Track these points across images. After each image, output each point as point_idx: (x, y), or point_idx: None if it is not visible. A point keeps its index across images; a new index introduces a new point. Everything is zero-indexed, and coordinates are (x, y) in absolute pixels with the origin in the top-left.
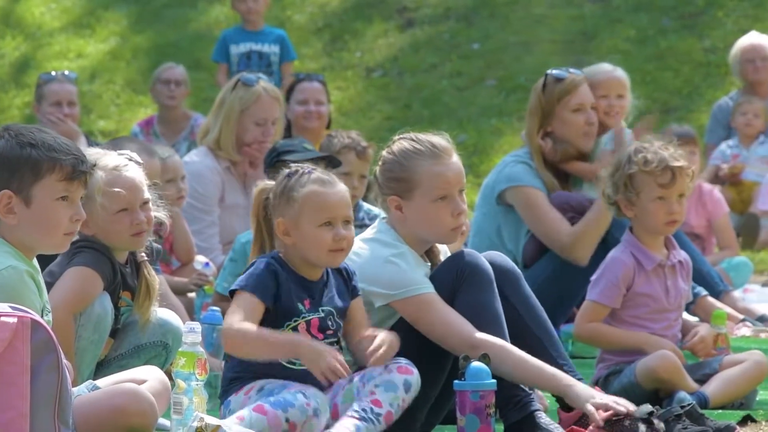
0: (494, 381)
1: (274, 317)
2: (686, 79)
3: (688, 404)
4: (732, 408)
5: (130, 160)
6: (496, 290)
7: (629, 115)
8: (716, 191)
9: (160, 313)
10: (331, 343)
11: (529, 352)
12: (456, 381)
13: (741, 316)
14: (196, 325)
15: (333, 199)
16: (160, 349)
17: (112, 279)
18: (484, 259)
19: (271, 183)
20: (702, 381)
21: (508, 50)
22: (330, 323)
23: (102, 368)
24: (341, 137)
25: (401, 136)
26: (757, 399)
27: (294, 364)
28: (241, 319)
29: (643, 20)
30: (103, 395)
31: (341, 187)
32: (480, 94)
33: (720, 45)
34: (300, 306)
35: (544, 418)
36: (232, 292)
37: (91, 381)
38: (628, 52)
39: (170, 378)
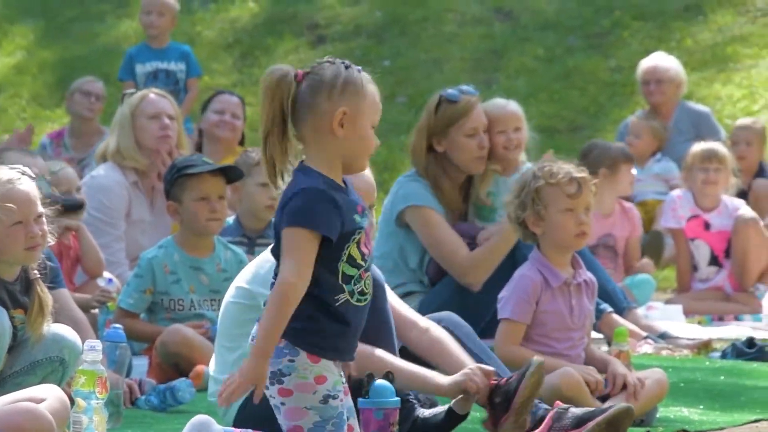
0: (398, 399)
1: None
2: (593, 98)
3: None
4: (633, 425)
5: (23, 174)
6: (386, 294)
7: (528, 148)
8: (635, 209)
9: (55, 328)
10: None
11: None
12: (360, 399)
13: (644, 334)
14: (97, 343)
15: (379, 104)
16: (57, 365)
17: None
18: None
19: (288, 68)
20: (604, 398)
21: (419, 67)
22: (368, 227)
23: None
24: (258, 151)
25: None
26: (658, 416)
27: (360, 300)
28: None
29: (551, 39)
30: (1, 414)
31: None
32: (390, 110)
33: (625, 65)
34: (357, 217)
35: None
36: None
37: None
38: (536, 70)
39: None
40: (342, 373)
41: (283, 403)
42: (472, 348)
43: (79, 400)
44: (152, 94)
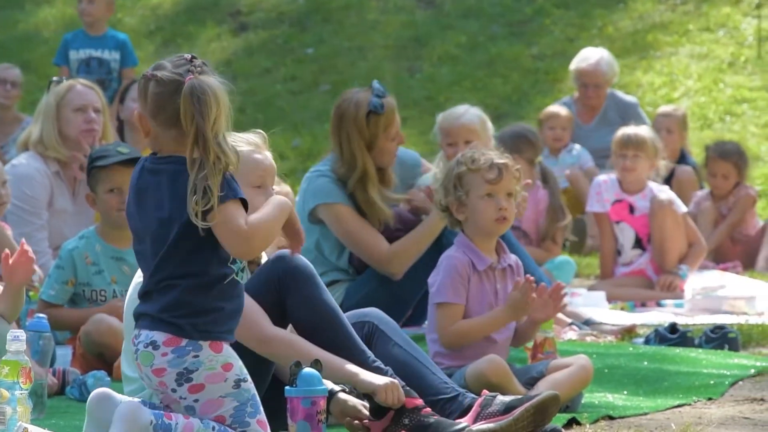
0: (326, 387)
1: None
2: (515, 86)
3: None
4: (558, 411)
5: None
6: (323, 285)
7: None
8: (542, 190)
9: None
10: None
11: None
12: (287, 387)
13: (569, 320)
14: (21, 333)
15: None
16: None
17: None
18: (298, 258)
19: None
20: (530, 384)
21: (342, 55)
22: None
23: None
24: None
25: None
26: (582, 402)
27: (242, 277)
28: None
29: (474, 27)
30: None
31: None
32: (314, 98)
33: (548, 52)
34: None
35: None
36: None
37: None
38: (459, 58)
39: None
40: None
41: (196, 400)
42: (399, 342)
43: (3, 391)
44: (79, 85)
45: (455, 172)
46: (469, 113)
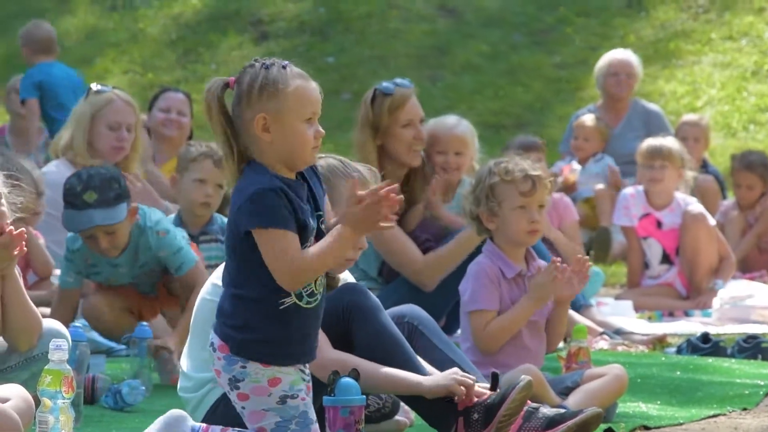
0: (363, 397)
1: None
2: (537, 95)
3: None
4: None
5: None
6: (386, 315)
7: (471, 169)
8: (566, 197)
9: (49, 323)
10: None
11: None
12: (325, 396)
13: (600, 330)
14: (63, 342)
15: (315, 94)
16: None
17: None
18: (365, 289)
19: (221, 79)
20: (564, 394)
21: (363, 64)
22: (323, 227)
23: None
24: (199, 145)
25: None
26: (618, 412)
27: (309, 302)
28: (295, 255)
29: (495, 36)
30: None
31: (315, 83)
32: (335, 107)
33: (570, 61)
34: (309, 219)
35: None
36: (249, 232)
37: None
38: (481, 66)
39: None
40: (305, 372)
41: (243, 408)
42: (438, 344)
43: (45, 400)
44: (119, 100)
45: (488, 182)
46: (462, 124)
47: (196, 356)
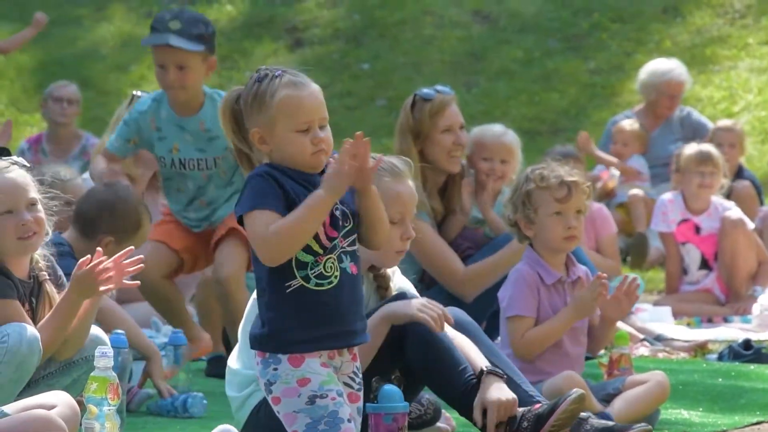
0: (407, 404)
1: None
2: (572, 100)
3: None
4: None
5: (14, 163)
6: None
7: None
8: (605, 209)
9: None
10: (347, 233)
11: None
12: (368, 404)
13: (641, 336)
14: (108, 349)
15: (307, 102)
16: (91, 364)
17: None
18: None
19: (238, 89)
20: (606, 401)
21: (398, 70)
22: (338, 213)
23: (29, 388)
24: None
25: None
26: (660, 418)
27: (321, 284)
28: (268, 228)
29: (530, 41)
30: (14, 422)
31: (314, 88)
32: (370, 114)
33: (605, 66)
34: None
35: None
36: (241, 219)
37: None
38: (515, 72)
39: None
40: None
41: (278, 412)
42: (480, 348)
43: (91, 407)
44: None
45: (524, 188)
46: (509, 134)
47: (242, 352)
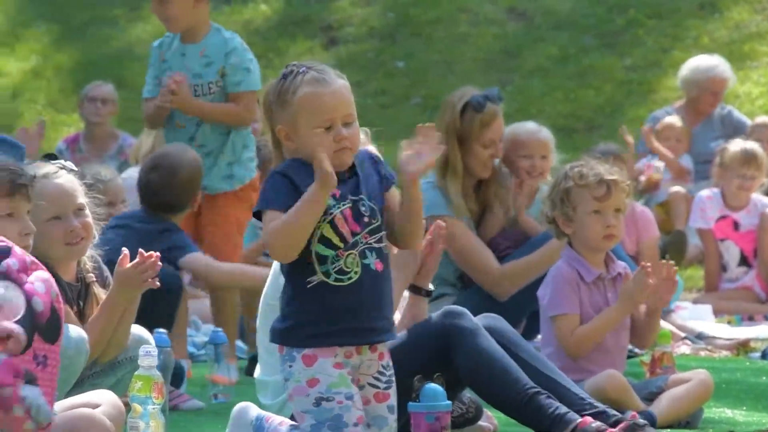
0: (449, 402)
1: None
2: (608, 98)
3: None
4: (678, 427)
5: (62, 168)
6: (486, 336)
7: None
8: (649, 212)
9: (132, 328)
10: (373, 230)
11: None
12: (410, 402)
13: (683, 334)
14: (153, 348)
15: (328, 100)
16: (135, 363)
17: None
18: (464, 312)
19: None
20: (649, 400)
21: (432, 69)
22: (363, 209)
23: (75, 388)
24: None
25: None
26: (703, 417)
27: (341, 280)
28: (272, 225)
29: (565, 39)
30: (60, 421)
31: (338, 85)
32: (404, 112)
33: (641, 63)
34: (329, 200)
35: None
36: (258, 215)
37: None
38: (551, 70)
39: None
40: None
41: (293, 408)
42: (520, 353)
43: (136, 405)
44: None
45: (563, 186)
46: (544, 129)
47: (265, 361)
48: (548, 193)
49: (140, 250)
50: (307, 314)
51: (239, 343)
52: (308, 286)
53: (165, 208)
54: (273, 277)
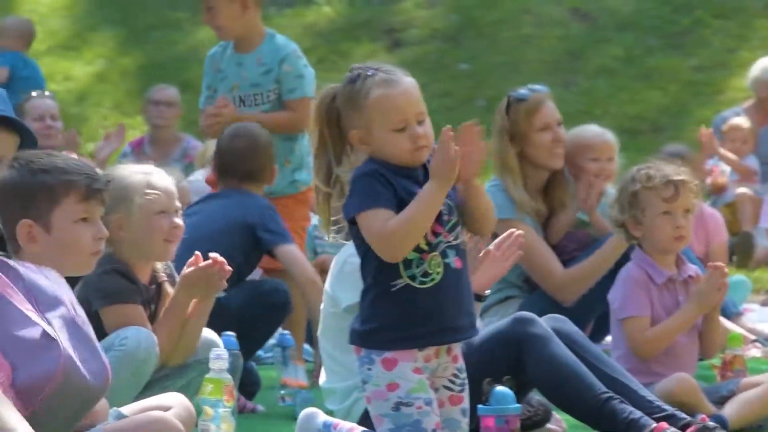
0: (519, 406)
1: None
2: (674, 98)
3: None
4: (750, 431)
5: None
6: (557, 342)
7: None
8: (718, 215)
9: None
10: (452, 227)
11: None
12: (480, 405)
13: (753, 337)
14: (223, 352)
15: (401, 100)
16: (205, 366)
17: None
18: (535, 319)
19: (332, 88)
20: (719, 403)
21: (496, 70)
22: (443, 207)
23: (145, 391)
24: None
25: None
26: None
27: (424, 282)
28: (383, 224)
29: (630, 39)
30: (132, 424)
31: (407, 83)
32: (469, 114)
33: (707, 63)
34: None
35: None
36: (352, 220)
37: (116, 408)
38: (615, 71)
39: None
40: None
41: (370, 411)
42: (585, 356)
43: (207, 408)
44: None
45: (630, 189)
46: (608, 132)
47: (329, 368)
48: (616, 196)
49: (213, 254)
50: (391, 317)
51: (306, 346)
52: (392, 290)
53: (249, 175)
54: (327, 287)
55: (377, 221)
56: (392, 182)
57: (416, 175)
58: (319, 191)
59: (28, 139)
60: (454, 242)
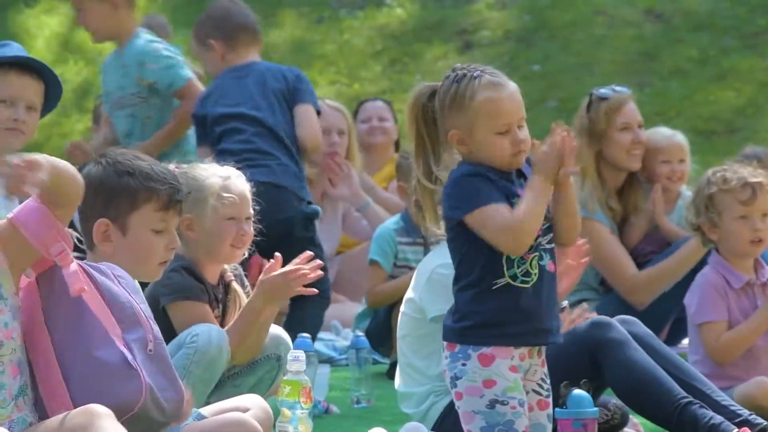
0: (596, 409)
1: None
2: (749, 100)
3: None
4: None
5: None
6: (635, 347)
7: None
8: None
9: (271, 329)
10: (547, 230)
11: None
12: (557, 409)
13: None
14: (301, 354)
15: (506, 105)
16: (274, 362)
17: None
18: (612, 323)
19: (428, 86)
20: None
21: (569, 71)
22: None
23: (216, 389)
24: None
25: None
26: None
27: (524, 282)
28: (506, 217)
29: (704, 40)
30: (212, 425)
31: (512, 87)
32: (541, 115)
33: None
34: (516, 201)
35: None
36: (459, 222)
37: (195, 409)
38: (690, 72)
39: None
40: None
41: (458, 407)
42: (659, 361)
43: (285, 410)
44: (326, 106)
45: (706, 192)
46: (678, 133)
47: (405, 372)
48: (692, 199)
49: (298, 260)
50: (490, 314)
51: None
52: (493, 288)
53: None
54: (409, 290)
55: (498, 215)
56: (494, 182)
57: (511, 178)
58: (424, 189)
59: (54, 88)
60: (548, 246)
